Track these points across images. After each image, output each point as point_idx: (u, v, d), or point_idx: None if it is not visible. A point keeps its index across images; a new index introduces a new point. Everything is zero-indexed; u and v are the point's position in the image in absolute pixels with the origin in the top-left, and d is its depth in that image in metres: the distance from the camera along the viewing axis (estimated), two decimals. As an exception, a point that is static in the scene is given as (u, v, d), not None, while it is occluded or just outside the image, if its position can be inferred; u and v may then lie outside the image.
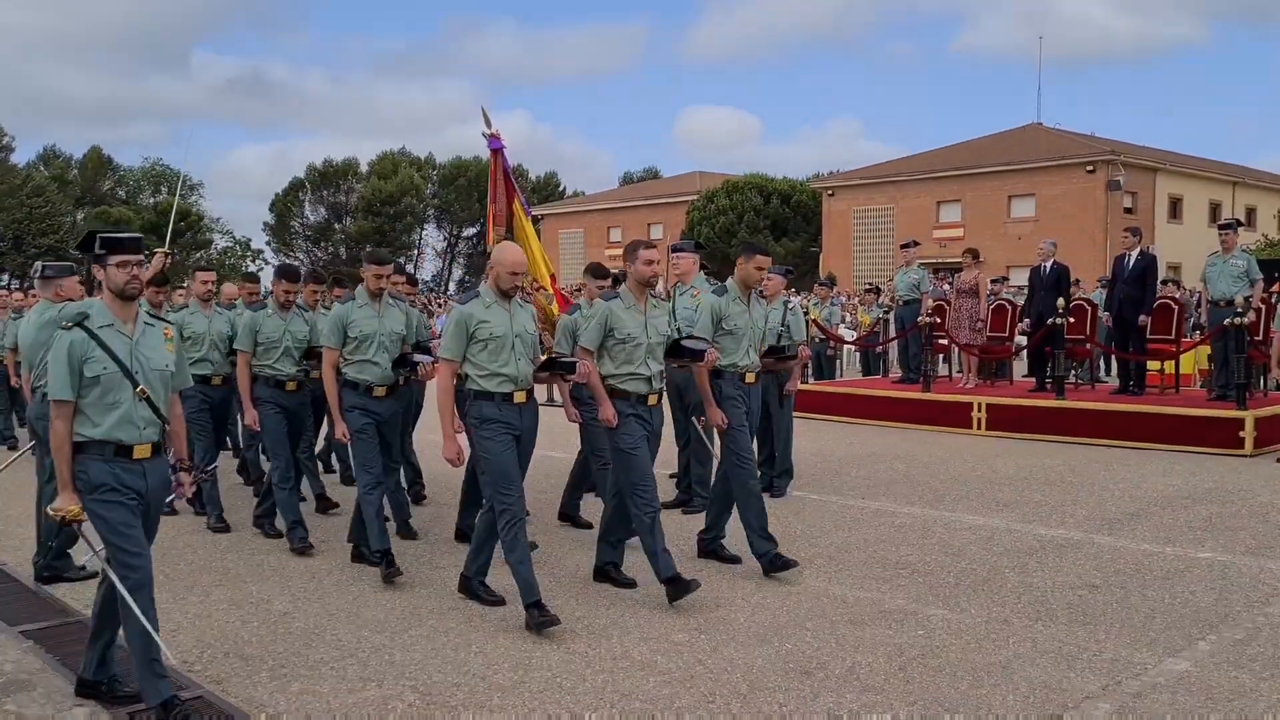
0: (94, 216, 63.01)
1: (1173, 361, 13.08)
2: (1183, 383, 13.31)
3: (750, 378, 6.41)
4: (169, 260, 6.89)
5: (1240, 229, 12.37)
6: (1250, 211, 43.64)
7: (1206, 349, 12.63)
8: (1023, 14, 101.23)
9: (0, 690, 4.48)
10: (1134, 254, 12.18)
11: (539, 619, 5.17)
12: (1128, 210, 38.59)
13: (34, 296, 12.04)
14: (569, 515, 7.59)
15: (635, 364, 5.75)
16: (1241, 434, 10.58)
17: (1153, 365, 13.06)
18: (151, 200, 71.23)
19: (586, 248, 54.55)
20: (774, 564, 6.08)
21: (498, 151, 8.21)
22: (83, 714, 4.26)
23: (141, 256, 4.28)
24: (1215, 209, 41.45)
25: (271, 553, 6.90)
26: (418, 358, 6.72)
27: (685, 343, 6.10)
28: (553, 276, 8.59)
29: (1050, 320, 12.11)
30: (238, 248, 72.96)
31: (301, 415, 7.34)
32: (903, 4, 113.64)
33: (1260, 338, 11.88)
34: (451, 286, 71.34)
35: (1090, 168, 39.00)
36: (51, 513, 4.26)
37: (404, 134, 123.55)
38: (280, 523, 7.16)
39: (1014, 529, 7.26)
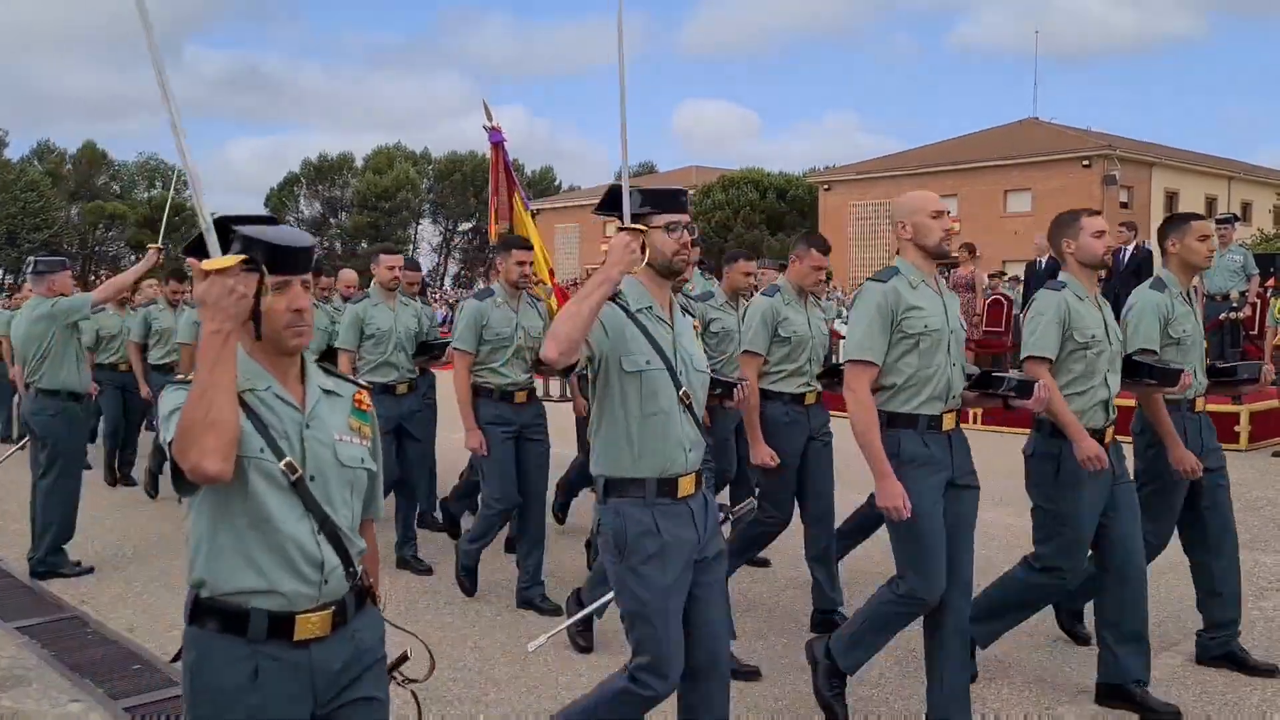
0: (88, 211, 62.88)
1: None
2: (1178, 377, 13.30)
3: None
4: (162, 255, 6.84)
5: (1236, 224, 12.40)
6: (1246, 206, 43.66)
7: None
8: (1020, 7, 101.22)
9: (-5, 686, 4.47)
10: (1129, 248, 12.19)
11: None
12: (1124, 205, 38.59)
13: (22, 294, 12.07)
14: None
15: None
16: (1237, 428, 10.60)
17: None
18: (146, 195, 71.04)
19: (582, 242, 54.49)
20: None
21: (498, 145, 8.18)
22: (79, 709, 4.26)
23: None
24: (1211, 203, 41.48)
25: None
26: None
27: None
28: (551, 272, 8.57)
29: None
30: (233, 242, 72.80)
31: None
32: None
33: (1256, 332, 11.90)
34: (447, 281, 71.27)
35: (1086, 162, 38.99)
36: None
37: (399, 128, 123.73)
38: None
39: (1010, 524, 7.26)
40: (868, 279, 3.93)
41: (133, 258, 61.33)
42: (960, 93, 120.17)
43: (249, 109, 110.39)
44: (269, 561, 2.21)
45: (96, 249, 64.52)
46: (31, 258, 6.60)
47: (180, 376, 2.36)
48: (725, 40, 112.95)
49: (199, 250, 2.23)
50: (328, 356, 7.04)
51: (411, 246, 74.82)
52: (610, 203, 3.20)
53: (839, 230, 45.67)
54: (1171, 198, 41.74)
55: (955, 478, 3.83)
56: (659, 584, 3.06)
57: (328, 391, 2.39)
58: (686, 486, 3.14)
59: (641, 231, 3.01)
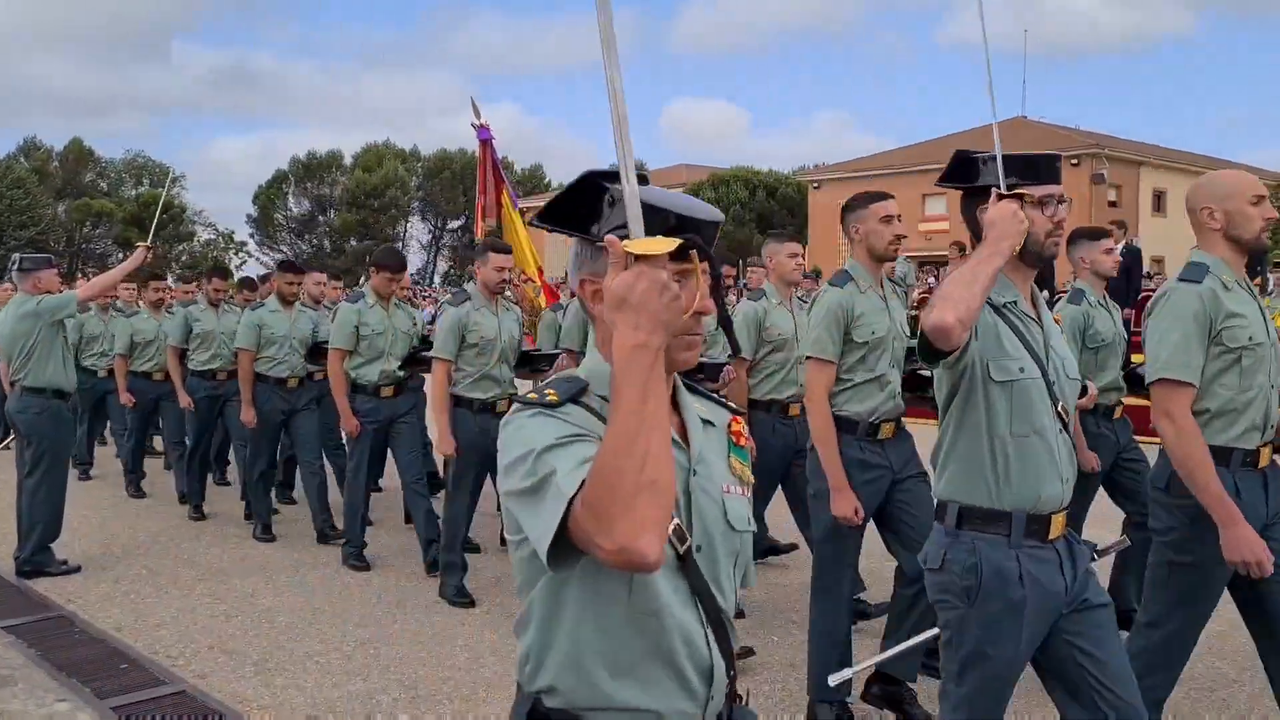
0: (75, 209, 62.57)
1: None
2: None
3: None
4: (150, 254, 6.78)
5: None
6: (1233, 205, 43.87)
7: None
8: (1010, 5, 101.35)
9: (-19, 686, 4.44)
10: (1118, 247, 12.24)
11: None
12: (1112, 204, 38.73)
13: (6, 289, 11.98)
14: None
15: None
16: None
17: (1137, 358, 13.08)
18: (134, 192, 70.74)
19: (572, 240, 54.52)
20: None
21: (486, 143, 8.17)
22: (66, 709, 4.23)
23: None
24: (1198, 203, 41.65)
25: (255, 547, 6.87)
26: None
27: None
28: (539, 269, 8.57)
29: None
30: (220, 240, 72.55)
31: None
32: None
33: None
34: (436, 279, 71.14)
35: (1075, 161, 39.09)
36: None
37: (389, 125, 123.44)
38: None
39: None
40: (1179, 280, 3.17)
41: (120, 255, 61.07)
42: (950, 91, 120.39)
43: (238, 106, 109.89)
44: (653, 670, 1.60)
45: (83, 246, 64.20)
46: (17, 255, 6.54)
47: (534, 395, 1.62)
48: (714, 38, 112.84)
49: (569, 219, 1.71)
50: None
51: (400, 244, 74.65)
52: (960, 173, 2.84)
53: (829, 229, 45.76)
54: (1159, 197, 41.91)
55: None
56: (1011, 643, 2.57)
57: (705, 421, 1.74)
58: (1058, 526, 2.61)
59: (1024, 200, 2.57)
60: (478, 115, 8.12)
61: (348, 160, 73.36)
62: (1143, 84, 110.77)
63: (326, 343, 6.54)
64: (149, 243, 6.77)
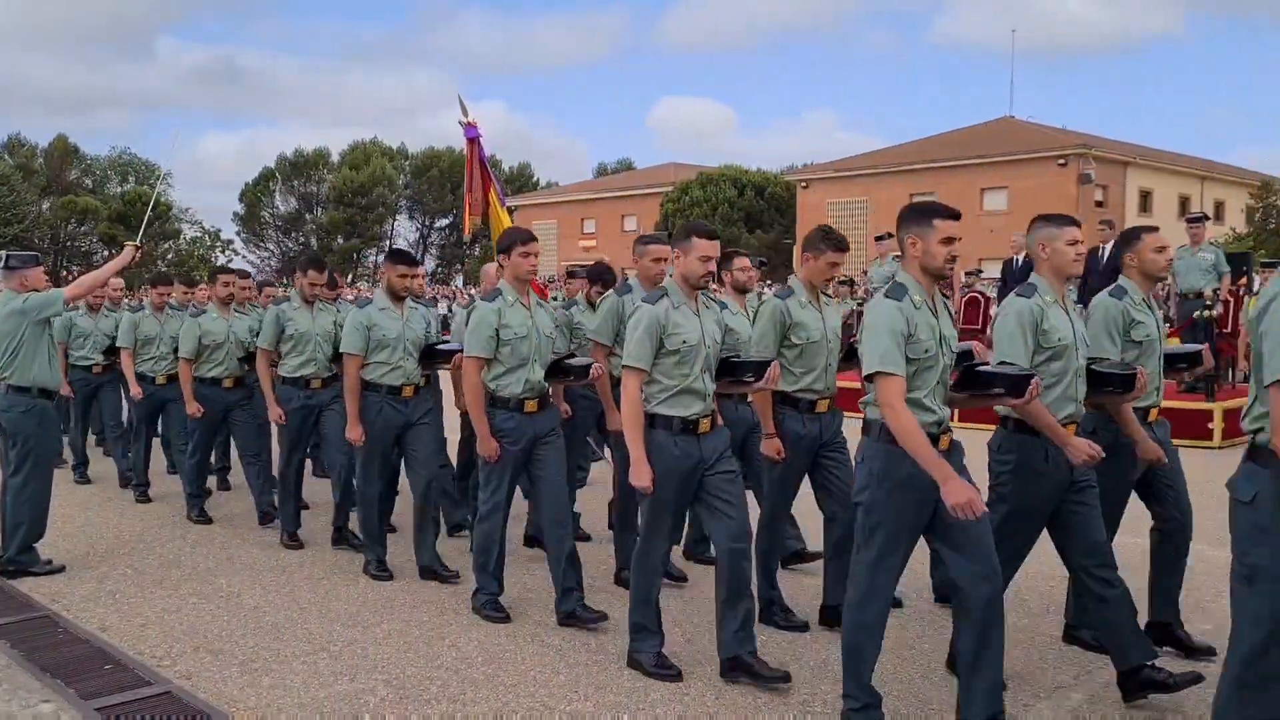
0: (60, 206, 62.20)
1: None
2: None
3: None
4: (139, 253, 6.72)
5: (1208, 223, 12.54)
6: (1219, 205, 44.11)
7: (1175, 341, 12.76)
8: (998, 5, 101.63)
9: (-36, 687, 4.41)
10: (1108, 247, 12.27)
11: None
12: (1099, 204, 38.89)
13: None
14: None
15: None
16: (1210, 425, 10.70)
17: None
18: (119, 190, 70.35)
19: (560, 239, 54.40)
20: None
21: (474, 140, 8.16)
22: (49, 710, 4.20)
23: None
24: (1184, 202, 41.87)
25: (241, 547, 6.84)
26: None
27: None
28: None
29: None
30: (206, 238, 72.22)
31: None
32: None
33: (1228, 330, 12.02)
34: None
35: (1062, 161, 39.27)
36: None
37: (376, 123, 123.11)
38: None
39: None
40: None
41: (105, 253, 60.72)
42: (938, 90, 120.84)
43: (223, 103, 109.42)
44: None
45: (68, 244, 63.83)
46: (2, 252, 6.48)
47: None
48: (702, 36, 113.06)
49: None
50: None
51: (388, 243, 74.43)
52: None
53: (816, 228, 45.86)
54: (1146, 197, 42.10)
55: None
56: None
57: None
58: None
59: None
60: (465, 113, 8.08)
61: (335, 158, 73.10)
62: (1129, 84, 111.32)
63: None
64: (138, 241, 6.71)
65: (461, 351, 5.51)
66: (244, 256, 74.54)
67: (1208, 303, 11.09)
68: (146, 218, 8.55)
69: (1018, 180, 40.06)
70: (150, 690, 4.36)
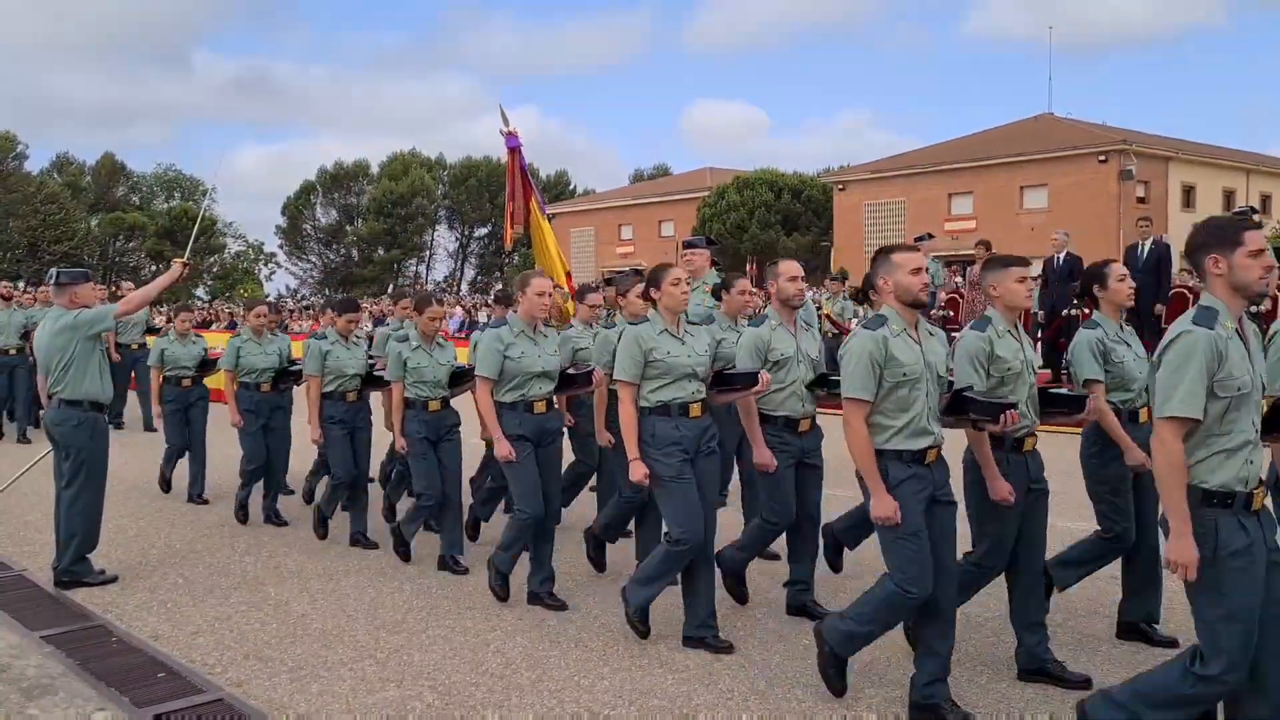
0: (108, 222, 63.36)
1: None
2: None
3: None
4: (187, 269, 6.85)
5: (1255, 216, 12.33)
6: (1265, 199, 43.26)
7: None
8: (1036, 1, 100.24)
9: (24, 695, 4.50)
10: (1148, 243, 12.14)
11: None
12: (1140, 200, 38.37)
13: (30, 298, 12.21)
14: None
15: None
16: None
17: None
18: (165, 206, 71.54)
19: (598, 245, 54.57)
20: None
21: (515, 150, 8.26)
22: (105, 718, 4.29)
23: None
24: (1229, 197, 41.15)
25: (289, 555, 6.93)
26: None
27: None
28: (568, 274, 8.64)
29: (1064, 311, 12.06)
30: (250, 251, 73.23)
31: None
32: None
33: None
34: (464, 287, 71.41)
35: (1102, 157, 38.78)
36: None
37: (408, 131, 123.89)
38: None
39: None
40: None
41: (153, 268, 61.78)
42: (974, 87, 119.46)
43: (258, 115, 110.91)
44: None
45: (117, 260, 65.01)
46: (54, 270, 6.61)
47: None
48: (730, 36, 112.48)
49: None
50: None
51: (428, 253, 75.08)
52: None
53: (854, 230, 45.60)
54: (1189, 192, 41.46)
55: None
56: None
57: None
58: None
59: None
60: (506, 122, 8.20)
61: (374, 169, 73.82)
62: (1170, 77, 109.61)
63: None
64: (185, 257, 6.84)
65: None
66: (286, 269, 75.46)
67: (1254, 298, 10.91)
68: (194, 233, 8.75)
69: (1057, 178, 39.62)
70: (203, 698, 4.44)
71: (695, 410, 4.95)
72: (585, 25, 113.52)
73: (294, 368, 8.00)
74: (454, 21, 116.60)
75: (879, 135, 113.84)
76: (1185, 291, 13.14)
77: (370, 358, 7.52)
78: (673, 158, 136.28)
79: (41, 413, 7.15)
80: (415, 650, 5.02)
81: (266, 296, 57.18)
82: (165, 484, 9.11)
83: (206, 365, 8.76)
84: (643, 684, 4.53)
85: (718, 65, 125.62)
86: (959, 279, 16.88)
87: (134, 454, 11.20)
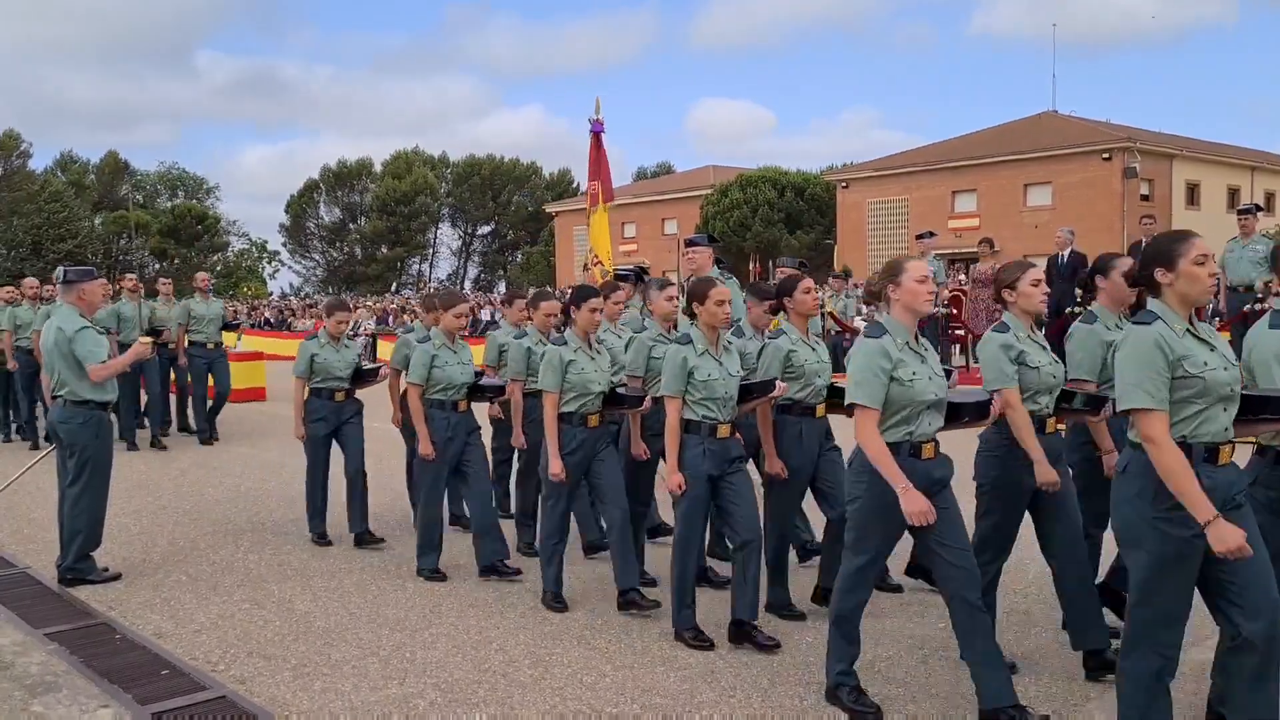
0: (111, 221, 63.45)
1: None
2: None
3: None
4: (152, 350, 6.84)
5: (1259, 214, 12.30)
6: (1269, 196, 43.23)
7: (1226, 335, 12.55)
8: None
9: (28, 692, 4.51)
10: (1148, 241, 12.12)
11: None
12: (1145, 198, 38.32)
13: (31, 294, 12.25)
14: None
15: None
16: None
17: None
18: (169, 204, 71.64)
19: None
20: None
21: (597, 134, 9.12)
22: (109, 715, 4.30)
23: None
24: (1234, 194, 41.09)
25: (292, 553, 6.94)
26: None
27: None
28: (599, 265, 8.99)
29: (1068, 309, 12.03)
30: (254, 249, 73.32)
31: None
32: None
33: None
34: (467, 285, 71.44)
35: (1106, 155, 38.73)
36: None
37: (411, 131, 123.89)
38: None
39: (1034, 519, 7.22)
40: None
41: (156, 266, 61.84)
42: (977, 85, 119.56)
43: (261, 114, 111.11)
44: None
45: (120, 258, 65.10)
46: (61, 268, 6.61)
47: None
48: (734, 35, 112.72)
49: None
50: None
51: (431, 251, 75.12)
52: None
53: (858, 228, 45.59)
54: (1193, 189, 41.41)
55: None
56: None
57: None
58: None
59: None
60: (597, 110, 8.99)
61: (377, 167, 73.88)
62: (1173, 75, 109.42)
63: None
64: (150, 342, 6.66)
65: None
66: (290, 267, 75.55)
67: (1259, 295, 10.89)
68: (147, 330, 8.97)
69: (1061, 176, 39.58)
70: (206, 695, 4.45)
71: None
72: (588, 25, 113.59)
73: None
74: (458, 21, 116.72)
75: (883, 133, 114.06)
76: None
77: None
78: (676, 156, 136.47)
79: (46, 412, 7.15)
80: (418, 648, 5.03)
81: (270, 295, 57.30)
82: (321, 536, 7.25)
83: (362, 375, 7.33)
84: (645, 681, 4.53)
85: (722, 64, 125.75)
86: (961, 276, 16.87)
87: (137, 454, 11.23)
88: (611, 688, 4.48)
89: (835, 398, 5.17)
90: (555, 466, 5.41)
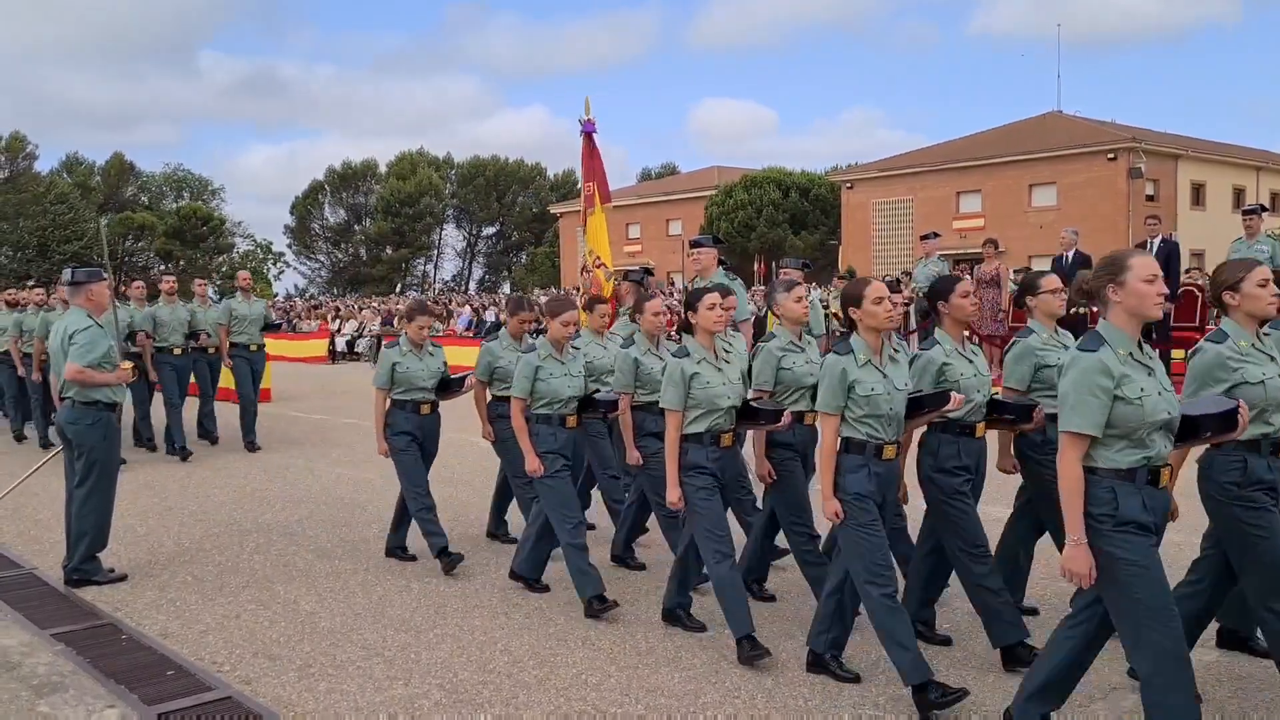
0: (117, 222, 63.57)
1: (1198, 349, 12.97)
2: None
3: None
4: (134, 375, 6.78)
5: (1265, 214, 12.28)
6: (1275, 196, 43.15)
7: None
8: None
9: (34, 692, 4.53)
10: (1156, 241, 12.10)
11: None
12: (1150, 198, 38.27)
13: (38, 295, 12.29)
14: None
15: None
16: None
17: (1177, 354, 12.96)
18: (174, 205, 71.76)
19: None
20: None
21: (589, 135, 8.96)
22: (115, 715, 4.31)
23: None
24: (1239, 194, 41.02)
25: (298, 554, 6.95)
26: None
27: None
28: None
29: (1073, 309, 12.01)
30: (259, 250, 73.39)
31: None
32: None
33: (1287, 324, 11.75)
34: (472, 286, 71.49)
35: (1111, 155, 38.69)
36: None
37: (413, 131, 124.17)
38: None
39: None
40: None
41: (161, 266, 61.92)
42: (982, 85, 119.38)
43: (263, 114, 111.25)
44: None
45: (126, 259, 65.23)
46: (68, 269, 6.63)
47: None
48: (736, 35, 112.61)
49: None
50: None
51: (436, 252, 75.16)
52: None
53: (862, 228, 45.56)
54: (1198, 189, 41.34)
55: None
56: None
57: None
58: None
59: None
60: (586, 111, 8.92)
61: (382, 169, 73.96)
62: (1178, 74, 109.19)
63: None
64: (131, 366, 6.64)
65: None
66: (295, 268, 75.63)
67: (1265, 295, 10.86)
68: (106, 254, 8.87)
69: (1066, 176, 39.54)
70: (211, 695, 4.46)
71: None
72: (589, 24, 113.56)
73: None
74: (458, 21, 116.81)
75: (887, 133, 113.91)
76: (1194, 290, 13.09)
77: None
78: (679, 156, 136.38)
79: (54, 414, 7.17)
80: (423, 648, 5.04)
81: (275, 296, 57.34)
82: (401, 550, 6.82)
83: (449, 385, 6.75)
84: (650, 682, 4.54)
85: (723, 63, 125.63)
86: (966, 277, 16.88)
87: (142, 453, 11.25)
88: (616, 688, 4.49)
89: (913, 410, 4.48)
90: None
